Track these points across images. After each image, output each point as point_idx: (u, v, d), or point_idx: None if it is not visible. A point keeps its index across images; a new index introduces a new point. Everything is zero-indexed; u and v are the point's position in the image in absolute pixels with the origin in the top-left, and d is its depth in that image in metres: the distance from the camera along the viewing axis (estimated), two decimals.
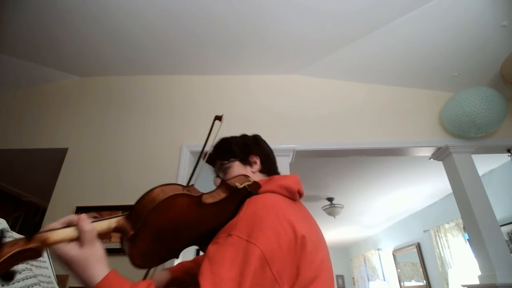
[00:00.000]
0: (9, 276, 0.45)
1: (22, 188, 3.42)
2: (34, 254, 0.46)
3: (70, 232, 0.50)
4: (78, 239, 0.50)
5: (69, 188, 2.05)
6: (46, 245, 0.48)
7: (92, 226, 0.51)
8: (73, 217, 0.53)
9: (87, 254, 0.50)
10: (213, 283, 0.50)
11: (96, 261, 0.50)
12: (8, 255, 0.43)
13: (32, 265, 0.76)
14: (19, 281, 0.67)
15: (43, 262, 0.82)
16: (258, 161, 0.89)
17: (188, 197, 0.61)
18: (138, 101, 2.43)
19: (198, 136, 2.22)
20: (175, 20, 1.97)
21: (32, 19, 1.95)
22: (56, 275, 0.86)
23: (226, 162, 0.88)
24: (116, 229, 0.56)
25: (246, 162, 0.88)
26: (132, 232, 0.55)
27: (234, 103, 2.38)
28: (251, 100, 2.39)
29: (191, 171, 2.16)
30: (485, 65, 2.17)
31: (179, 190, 0.60)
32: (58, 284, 0.84)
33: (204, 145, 0.93)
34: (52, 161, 2.37)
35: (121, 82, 2.52)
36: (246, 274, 0.51)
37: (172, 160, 2.11)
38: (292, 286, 0.58)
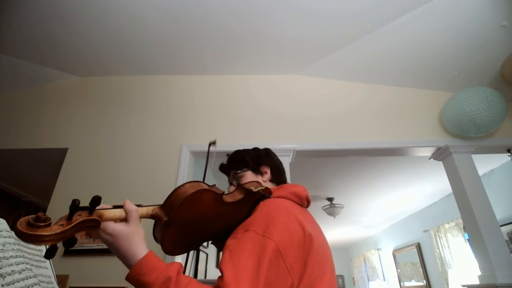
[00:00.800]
0: (72, 243, 0.53)
1: (22, 188, 3.42)
2: (94, 225, 0.54)
3: (118, 212, 0.60)
4: (125, 219, 0.60)
5: (69, 188, 2.05)
6: (102, 219, 0.56)
7: (135, 207, 0.62)
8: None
9: (133, 231, 0.58)
10: (234, 269, 0.56)
11: (140, 238, 0.59)
12: (76, 222, 0.50)
13: (32, 265, 0.76)
14: (19, 281, 0.67)
15: (43, 262, 0.82)
16: (268, 171, 0.98)
17: (213, 194, 0.69)
18: (138, 101, 2.43)
19: (198, 136, 2.22)
20: (175, 20, 1.97)
21: (32, 19, 1.95)
22: (56, 275, 0.86)
23: (239, 171, 0.97)
24: (153, 216, 0.65)
25: (257, 171, 0.97)
26: (166, 219, 0.63)
27: (234, 103, 2.38)
28: (251, 100, 2.39)
29: (191, 171, 2.17)
30: (485, 65, 2.17)
31: (205, 187, 0.69)
32: (58, 284, 0.84)
33: (205, 170, 1.02)
34: (52, 161, 2.37)
35: (121, 82, 2.52)
36: (262, 263, 0.58)
37: (172, 160, 2.11)
38: (299, 280, 0.63)
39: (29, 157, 2.41)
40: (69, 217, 0.51)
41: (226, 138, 2.20)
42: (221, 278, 0.56)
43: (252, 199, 0.79)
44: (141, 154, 2.16)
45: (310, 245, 0.66)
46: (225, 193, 0.75)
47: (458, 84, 2.31)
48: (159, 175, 2.07)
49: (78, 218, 0.51)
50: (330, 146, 2.17)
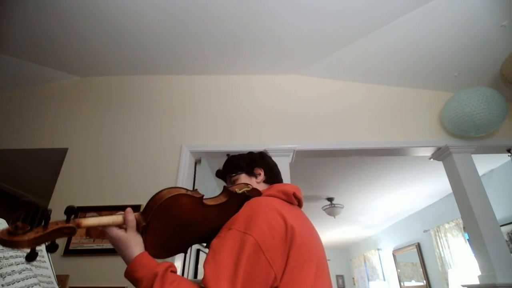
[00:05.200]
0: (53, 248, 0.59)
1: (22, 188, 3.41)
2: (71, 232, 0.59)
3: (102, 220, 0.66)
4: (121, 225, 0.68)
5: (69, 188, 2.05)
6: (80, 227, 0.61)
7: (133, 217, 0.68)
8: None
9: (129, 237, 0.67)
10: (214, 267, 0.60)
11: (136, 243, 0.67)
12: (52, 229, 0.56)
13: (32, 265, 0.76)
14: (19, 281, 0.67)
15: (43, 262, 0.82)
16: (262, 173, 1.01)
17: (190, 198, 0.72)
18: (138, 101, 2.43)
19: (198, 136, 2.22)
20: (175, 20, 1.97)
21: (32, 19, 1.95)
22: (56, 275, 0.86)
23: (234, 174, 1.01)
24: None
25: (251, 174, 1.01)
26: (143, 224, 0.68)
27: (234, 103, 2.38)
28: (251, 100, 2.39)
29: (191, 171, 2.17)
30: (485, 65, 2.17)
31: (183, 192, 0.72)
32: (58, 284, 0.84)
33: (194, 173, 1.07)
34: (52, 161, 2.37)
35: (121, 82, 2.52)
36: (241, 258, 0.61)
37: (172, 160, 2.11)
38: (282, 273, 0.65)
39: (29, 157, 2.41)
40: (45, 225, 0.56)
41: (226, 138, 2.20)
42: (203, 276, 0.60)
43: (238, 200, 0.81)
44: (141, 154, 2.16)
45: (292, 238, 0.68)
46: (207, 197, 0.78)
47: (458, 84, 2.31)
48: (159, 175, 2.06)
49: (54, 226, 0.57)
50: (330, 146, 2.17)
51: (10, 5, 1.85)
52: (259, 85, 2.46)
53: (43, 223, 0.56)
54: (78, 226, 0.61)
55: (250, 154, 1.08)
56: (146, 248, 0.69)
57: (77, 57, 2.33)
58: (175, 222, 0.72)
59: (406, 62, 2.23)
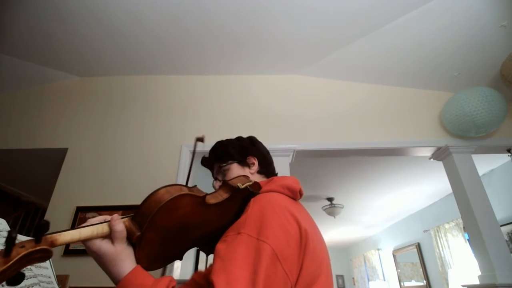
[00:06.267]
0: (17, 280, 0.43)
1: (22, 188, 3.42)
2: (45, 255, 0.46)
3: (80, 233, 0.52)
4: (108, 236, 0.55)
5: (69, 188, 2.05)
6: (55, 246, 0.48)
7: (121, 226, 0.55)
8: (104, 217, 0.58)
9: (117, 251, 0.55)
10: (227, 282, 0.50)
11: (125, 256, 0.55)
12: (16, 258, 0.41)
13: (32, 265, 0.76)
14: None
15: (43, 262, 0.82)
16: (256, 162, 0.89)
17: (192, 198, 0.61)
18: (138, 101, 2.43)
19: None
20: (175, 20, 1.97)
21: (32, 19, 1.95)
22: (56, 275, 0.86)
23: (224, 164, 0.88)
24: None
25: (244, 163, 0.89)
26: (138, 234, 0.55)
27: (234, 103, 2.38)
28: (251, 100, 2.39)
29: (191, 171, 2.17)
30: (485, 65, 2.17)
31: (184, 191, 0.61)
32: (58, 284, 0.84)
33: (190, 168, 0.97)
34: (52, 161, 2.37)
35: (121, 82, 2.52)
36: (259, 271, 0.51)
37: (172, 160, 2.11)
38: (297, 281, 0.58)
39: (29, 157, 2.41)
40: (7, 253, 0.41)
41: (226, 138, 2.20)
42: None
43: (240, 197, 0.70)
44: (141, 154, 2.16)
45: (307, 243, 0.61)
46: (208, 193, 0.68)
47: (458, 84, 2.31)
48: (159, 175, 2.06)
49: (20, 251, 0.42)
50: (330, 146, 2.17)
51: (10, 5, 1.85)
52: (259, 85, 2.46)
53: (4, 250, 0.41)
54: (52, 245, 0.47)
55: (240, 140, 0.95)
56: (138, 260, 0.58)
57: (77, 57, 2.33)
58: (174, 228, 0.61)
59: (406, 62, 2.23)
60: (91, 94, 2.49)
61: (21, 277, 0.44)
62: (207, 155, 0.98)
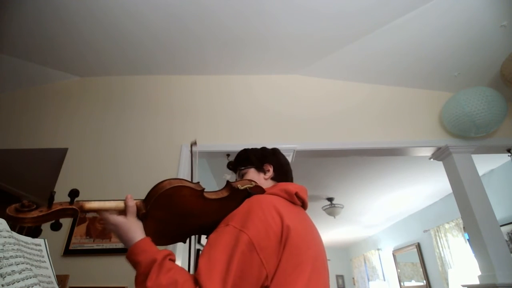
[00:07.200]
0: (57, 226, 0.63)
1: (22, 188, 3.41)
2: (74, 213, 0.64)
3: (102, 204, 0.70)
4: (123, 212, 0.71)
5: (69, 188, 2.03)
6: (82, 209, 0.65)
7: (133, 203, 0.72)
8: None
9: (129, 222, 0.70)
10: (208, 262, 0.61)
11: (137, 227, 0.70)
12: (54, 209, 0.61)
13: (32, 265, 0.76)
14: (19, 281, 0.67)
15: (43, 262, 0.82)
16: (271, 169, 1.00)
17: (191, 190, 0.75)
18: (138, 101, 2.43)
19: (198, 136, 2.22)
20: (176, 20, 1.97)
21: (32, 19, 1.95)
22: (56, 275, 0.86)
23: (243, 168, 1.01)
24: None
25: (260, 169, 1.00)
26: (143, 211, 0.72)
27: (234, 103, 2.38)
28: (251, 100, 2.39)
29: (191, 171, 2.17)
30: (485, 65, 2.17)
31: (184, 183, 0.74)
32: (58, 284, 0.84)
33: (191, 168, 1.11)
34: (52, 161, 2.37)
35: (121, 82, 2.52)
36: (234, 255, 0.61)
37: (172, 160, 2.11)
38: (274, 272, 0.65)
39: (29, 157, 2.41)
40: (49, 205, 0.61)
41: (227, 138, 2.21)
42: (197, 269, 0.62)
43: (240, 197, 0.81)
44: (141, 154, 2.16)
45: (287, 237, 0.68)
46: (208, 191, 0.80)
47: (458, 84, 2.31)
48: (159, 175, 2.04)
49: (58, 206, 0.62)
50: (330, 146, 2.17)
51: (10, 5, 1.85)
52: (259, 85, 2.46)
53: (47, 203, 0.61)
54: (81, 208, 0.65)
55: (263, 149, 1.07)
56: (146, 233, 0.71)
57: (77, 57, 2.33)
58: (175, 211, 0.75)
59: (406, 62, 2.23)
60: (91, 94, 2.49)
61: (59, 225, 0.64)
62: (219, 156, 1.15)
